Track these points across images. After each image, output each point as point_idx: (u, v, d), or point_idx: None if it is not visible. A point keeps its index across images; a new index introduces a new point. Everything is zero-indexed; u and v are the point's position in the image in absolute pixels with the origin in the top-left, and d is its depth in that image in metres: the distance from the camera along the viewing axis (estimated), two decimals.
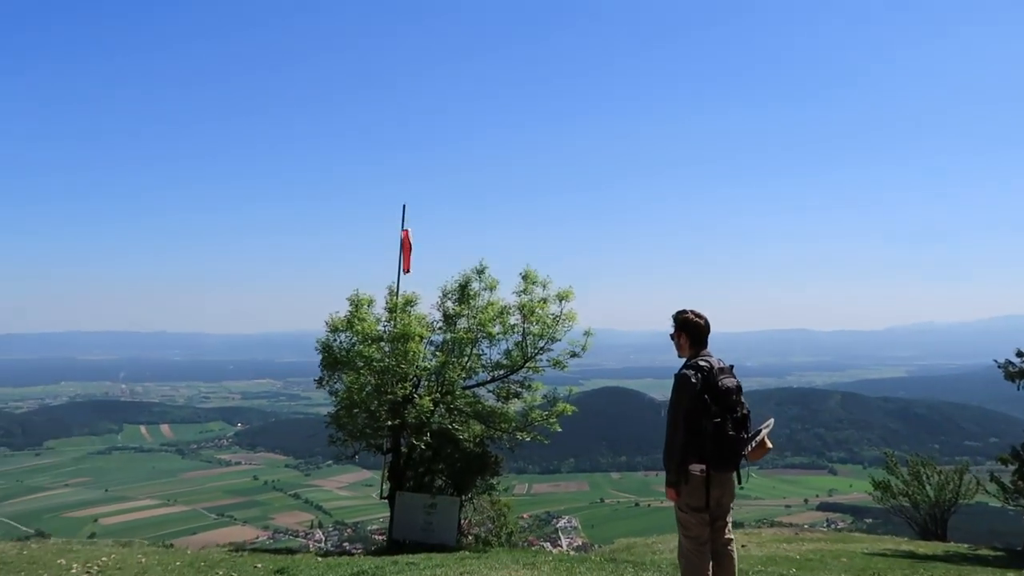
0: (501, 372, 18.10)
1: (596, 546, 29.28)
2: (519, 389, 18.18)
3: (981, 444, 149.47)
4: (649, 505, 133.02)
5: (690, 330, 6.64)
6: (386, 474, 17.59)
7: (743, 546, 22.44)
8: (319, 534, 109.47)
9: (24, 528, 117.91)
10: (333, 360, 17.06)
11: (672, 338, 6.74)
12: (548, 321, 17.77)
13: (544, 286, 17.86)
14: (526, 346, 17.87)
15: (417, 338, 16.31)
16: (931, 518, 28.70)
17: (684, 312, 6.66)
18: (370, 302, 17.78)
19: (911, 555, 19.78)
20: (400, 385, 16.10)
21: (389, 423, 16.12)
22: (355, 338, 17.03)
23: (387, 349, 16.81)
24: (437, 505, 16.70)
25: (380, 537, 20.04)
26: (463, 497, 17.63)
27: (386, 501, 17.50)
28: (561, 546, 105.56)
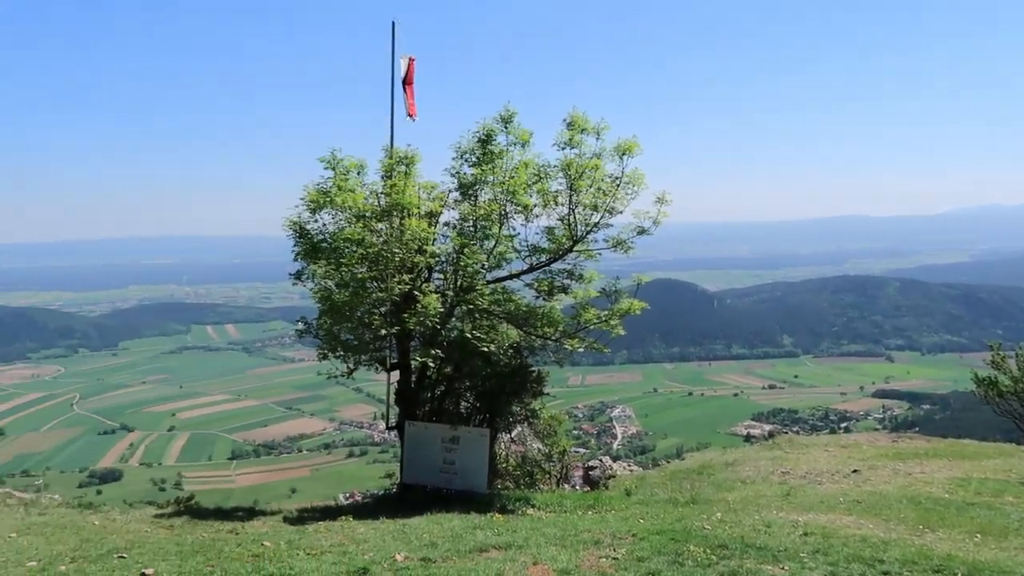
0: (541, 259, 13.26)
1: (664, 461, 25.09)
2: (567, 281, 13.37)
3: None
4: (703, 394, 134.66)
5: None
6: (392, 398, 13.26)
7: (854, 470, 17.95)
8: (381, 424, 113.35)
9: (110, 422, 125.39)
10: (312, 247, 12.45)
11: None
12: (605, 186, 12.72)
13: (599, 135, 12.62)
14: (574, 222, 12.93)
15: (420, 212, 11.54)
16: None
17: None
18: (360, 168, 12.91)
19: None
20: (397, 279, 11.45)
21: (384, 332, 11.58)
22: (339, 215, 12.33)
23: (381, 229, 12.10)
24: (460, 439, 12.38)
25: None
26: (496, 425, 13.29)
27: (396, 433, 13.29)
28: (616, 435, 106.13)
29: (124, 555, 8.10)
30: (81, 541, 8.78)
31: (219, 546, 8.54)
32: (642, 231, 12.83)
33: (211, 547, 8.52)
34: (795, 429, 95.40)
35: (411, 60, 13.25)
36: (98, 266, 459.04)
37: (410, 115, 13.31)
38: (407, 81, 13.12)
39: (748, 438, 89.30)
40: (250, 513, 11.93)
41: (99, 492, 79.07)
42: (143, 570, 7.42)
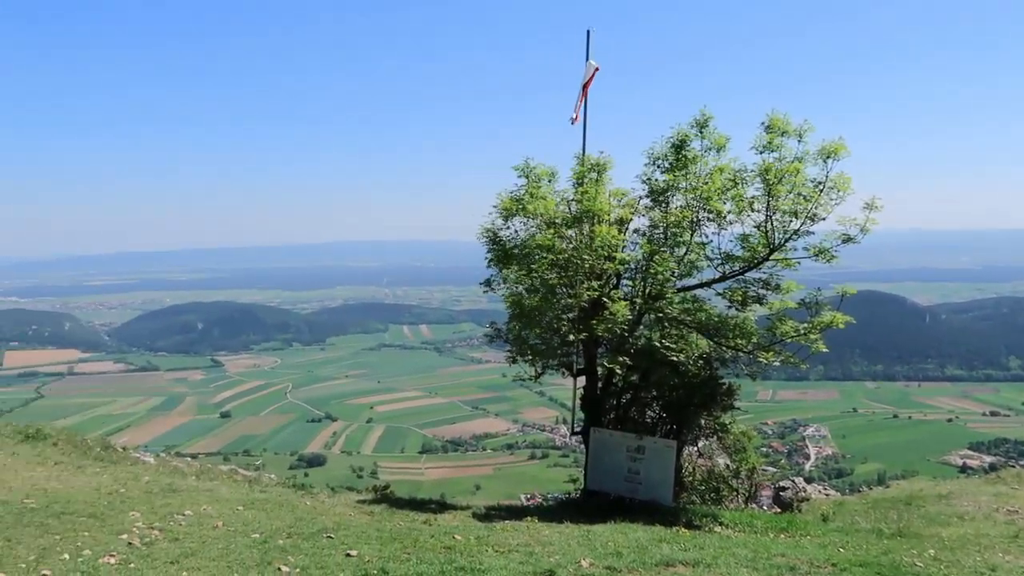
0: (735, 267, 12.78)
1: (865, 488, 23.24)
2: (762, 291, 12.77)
3: None
4: (910, 417, 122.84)
5: None
6: (578, 403, 13.35)
7: None
8: (563, 429, 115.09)
9: (316, 411, 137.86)
10: (504, 253, 12.86)
11: None
12: (806, 191, 12.02)
13: (801, 137, 11.96)
14: (771, 229, 12.33)
15: (610, 219, 11.54)
16: None
17: None
18: (551, 175, 13.16)
19: None
20: (586, 285, 11.52)
21: (572, 337, 11.69)
22: (530, 222, 12.64)
23: (572, 236, 12.24)
24: (646, 448, 12.21)
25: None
26: (683, 438, 12.96)
27: (579, 439, 13.36)
28: (809, 455, 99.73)
29: (332, 535, 8.80)
30: (295, 519, 9.66)
31: (414, 535, 9.03)
32: (848, 239, 11.95)
33: (407, 535, 9.03)
34: (1023, 463, 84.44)
35: (595, 69, 13.38)
36: (310, 268, 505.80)
37: (573, 119, 13.44)
38: (584, 87, 13.28)
39: (964, 469, 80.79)
40: (441, 506, 12.52)
41: (306, 475, 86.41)
42: (348, 551, 8.02)
